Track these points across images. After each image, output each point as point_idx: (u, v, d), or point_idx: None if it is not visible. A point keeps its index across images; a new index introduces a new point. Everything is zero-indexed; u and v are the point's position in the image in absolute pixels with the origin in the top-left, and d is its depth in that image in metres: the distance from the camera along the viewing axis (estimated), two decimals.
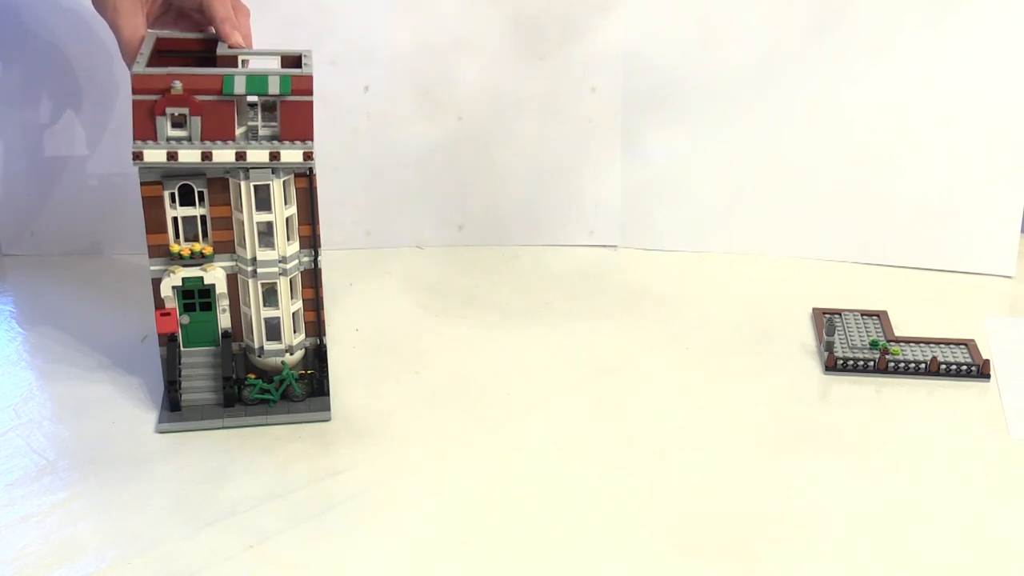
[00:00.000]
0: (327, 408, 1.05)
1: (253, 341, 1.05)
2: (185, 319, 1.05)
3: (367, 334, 1.20)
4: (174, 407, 1.04)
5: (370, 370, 1.13)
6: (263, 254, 1.02)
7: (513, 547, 0.90)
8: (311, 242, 1.04)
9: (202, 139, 1.00)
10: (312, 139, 1.02)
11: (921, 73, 1.28)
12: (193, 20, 1.13)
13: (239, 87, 1.00)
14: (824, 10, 1.27)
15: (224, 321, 1.06)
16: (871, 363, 1.12)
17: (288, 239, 1.02)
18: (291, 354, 1.06)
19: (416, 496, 0.96)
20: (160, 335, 1.04)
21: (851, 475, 0.98)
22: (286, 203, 1.02)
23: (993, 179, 1.29)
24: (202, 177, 1.01)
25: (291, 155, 1.01)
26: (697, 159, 1.34)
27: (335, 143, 1.31)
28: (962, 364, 1.12)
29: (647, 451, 1.02)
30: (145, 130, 1.00)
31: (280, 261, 1.03)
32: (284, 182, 1.01)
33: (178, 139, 1.00)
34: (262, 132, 1.02)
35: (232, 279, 1.04)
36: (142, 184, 1.01)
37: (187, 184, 1.01)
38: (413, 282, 1.31)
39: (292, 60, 1.07)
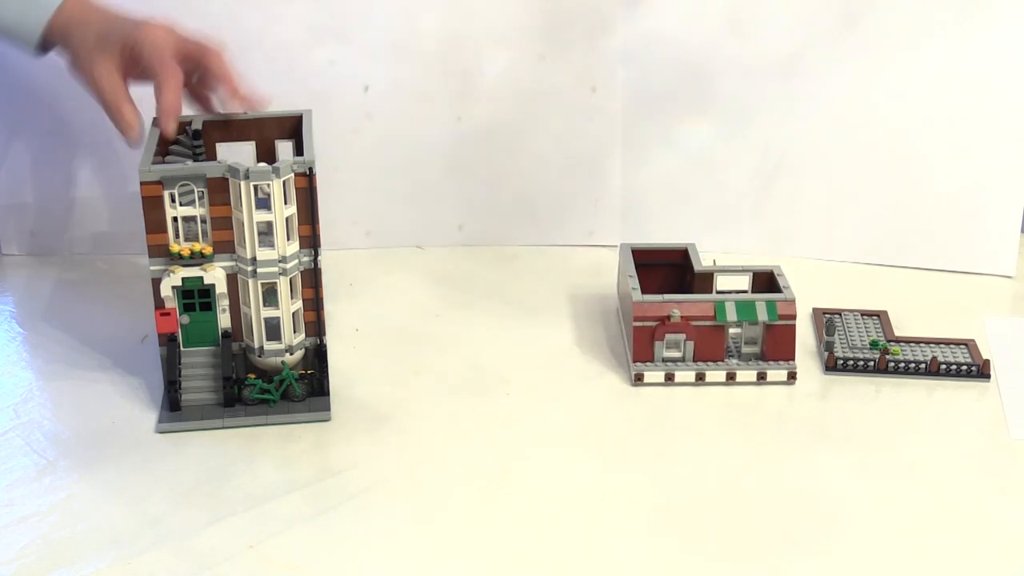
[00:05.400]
0: (327, 408, 1.05)
1: (253, 341, 1.05)
2: (185, 319, 1.05)
3: (367, 334, 1.20)
4: (174, 407, 1.04)
5: (370, 370, 1.13)
6: (263, 254, 1.02)
7: (515, 546, 0.90)
8: (311, 242, 1.04)
9: (695, 359, 1.09)
10: (794, 359, 1.10)
11: (921, 76, 1.28)
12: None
13: (730, 314, 1.08)
14: (823, 18, 1.27)
15: (224, 321, 1.06)
16: (871, 363, 1.12)
17: (288, 239, 1.02)
18: (291, 354, 1.06)
19: (416, 496, 0.96)
20: (160, 335, 1.04)
21: (851, 475, 0.98)
22: (286, 203, 1.02)
23: (993, 179, 1.29)
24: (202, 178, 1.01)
25: (777, 375, 1.10)
26: (697, 160, 1.34)
27: (335, 143, 1.31)
28: (962, 364, 1.12)
29: (648, 449, 1.02)
30: (644, 353, 1.09)
31: (280, 261, 1.02)
32: (284, 182, 1.01)
33: (673, 360, 1.10)
34: (745, 350, 1.10)
35: (232, 279, 1.04)
36: (142, 184, 1.01)
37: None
38: (413, 282, 1.31)
39: (765, 277, 1.14)
